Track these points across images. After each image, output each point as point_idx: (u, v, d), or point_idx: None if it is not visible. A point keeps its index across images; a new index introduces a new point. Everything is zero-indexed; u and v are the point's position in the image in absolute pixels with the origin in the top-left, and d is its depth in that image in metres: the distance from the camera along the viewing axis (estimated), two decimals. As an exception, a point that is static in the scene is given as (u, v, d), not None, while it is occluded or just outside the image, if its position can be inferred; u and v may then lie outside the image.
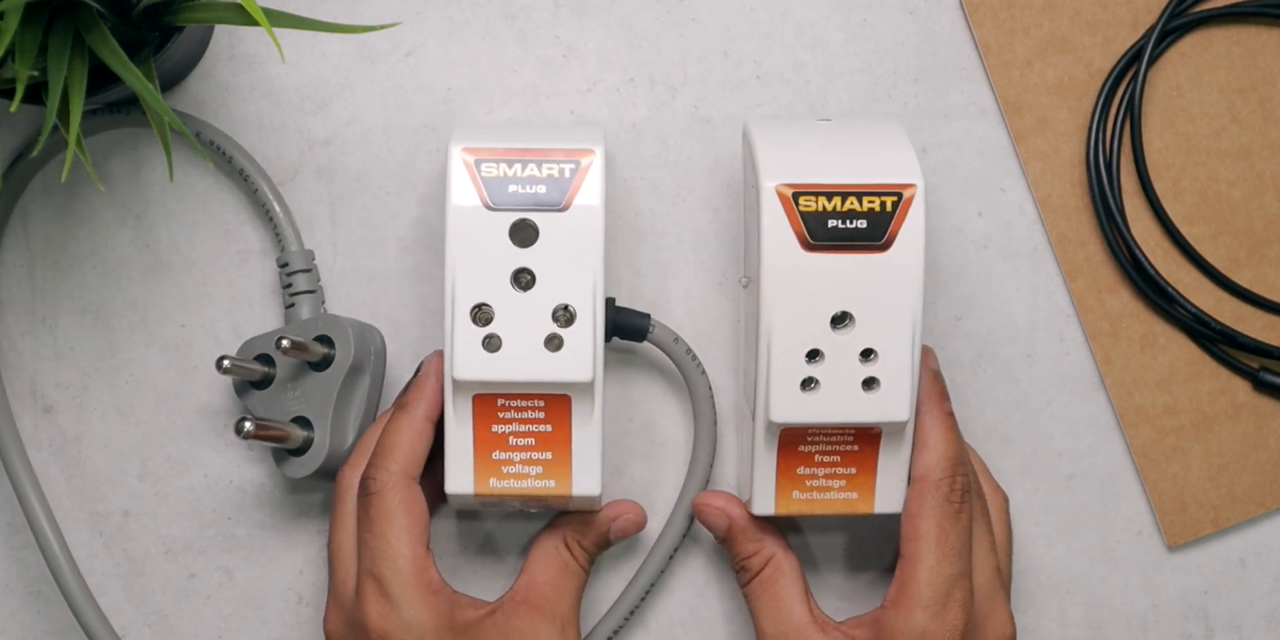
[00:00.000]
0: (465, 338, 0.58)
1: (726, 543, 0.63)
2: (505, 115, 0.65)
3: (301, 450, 0.62)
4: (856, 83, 0.66)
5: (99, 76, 0.57)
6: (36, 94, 0.55)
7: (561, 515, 0.63)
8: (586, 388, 0.59)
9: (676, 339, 0.63)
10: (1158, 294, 0.66)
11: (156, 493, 0.66)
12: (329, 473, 0.63)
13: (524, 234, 0.59)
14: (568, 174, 0.59)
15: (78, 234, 0.66)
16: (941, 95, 0.66)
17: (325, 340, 0.62)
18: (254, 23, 0.53)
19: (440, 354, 0.61)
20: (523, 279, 0.59)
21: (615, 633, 0.65)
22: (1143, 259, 0.65)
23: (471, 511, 0.66)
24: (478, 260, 0.59)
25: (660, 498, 0.66)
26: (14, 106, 0.52)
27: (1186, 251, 0.66)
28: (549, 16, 0.66)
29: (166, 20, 0.57)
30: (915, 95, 0.66)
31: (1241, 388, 0.66)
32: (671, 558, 0.65)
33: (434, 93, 0.66)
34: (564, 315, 0.59)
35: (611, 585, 0.66)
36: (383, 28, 0.55)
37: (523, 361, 0.58)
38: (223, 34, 0.65)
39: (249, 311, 0.65)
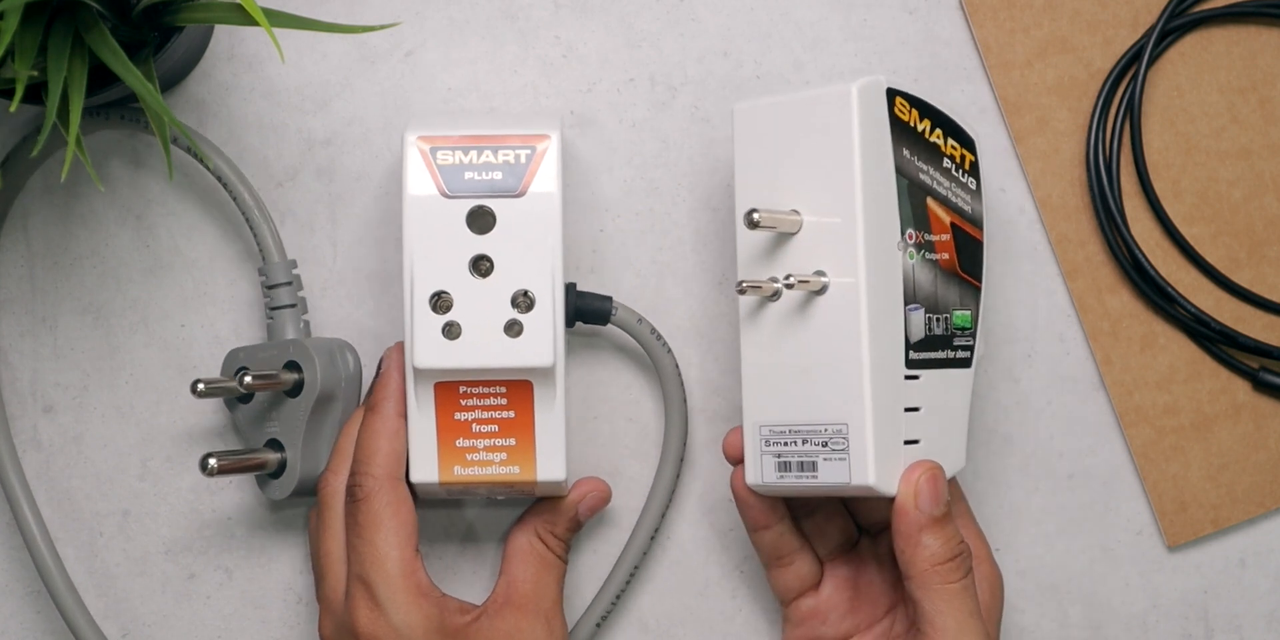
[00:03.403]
0: (425, 326, 0.58)
1: (944, 520, 0.58)
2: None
3: (279, 473, 0.62)
4: (856, 83, 0.66)
5: (99, 76, 0.57)
6: (36, 94, 0.55)
7: (529, 508, 0.64)
8: (548, 373, 0.59)
9: (640, 320, 0.63)
10: (1158, 294, 0.66)
11: (156, 493, 0.66)
12: (306, 492, 0.63)
13: (481, 221, 0.59)
14: (524, 160, 0.59)
15: (78, 234, 0.66)
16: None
17: (296, 365, 0.62)
18: (254, 23, 0.53)
19: (399, 347, 0.61)
20: (481, 266, 0.59)
21: (603, 618, 0.65)
22: (1143, 259, 0.65)
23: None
24: (435, 248, 0.59)
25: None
26: (14, 106, 0.52)
27: (1186, 251, 0.66)
28: (549, 16, 0.66)
29: (166, 20, 0.57)
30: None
31: (1241, 388, 0.66)
32: (653, 538, 0.65)
33: (434, 93, 0.65)
34: (524, 301, 0.59)
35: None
36: (383, 28, 0.55)
37: (483, 348, 0.58)
38: (223, 34, 0.65)
39: (249, 312, 0.65)
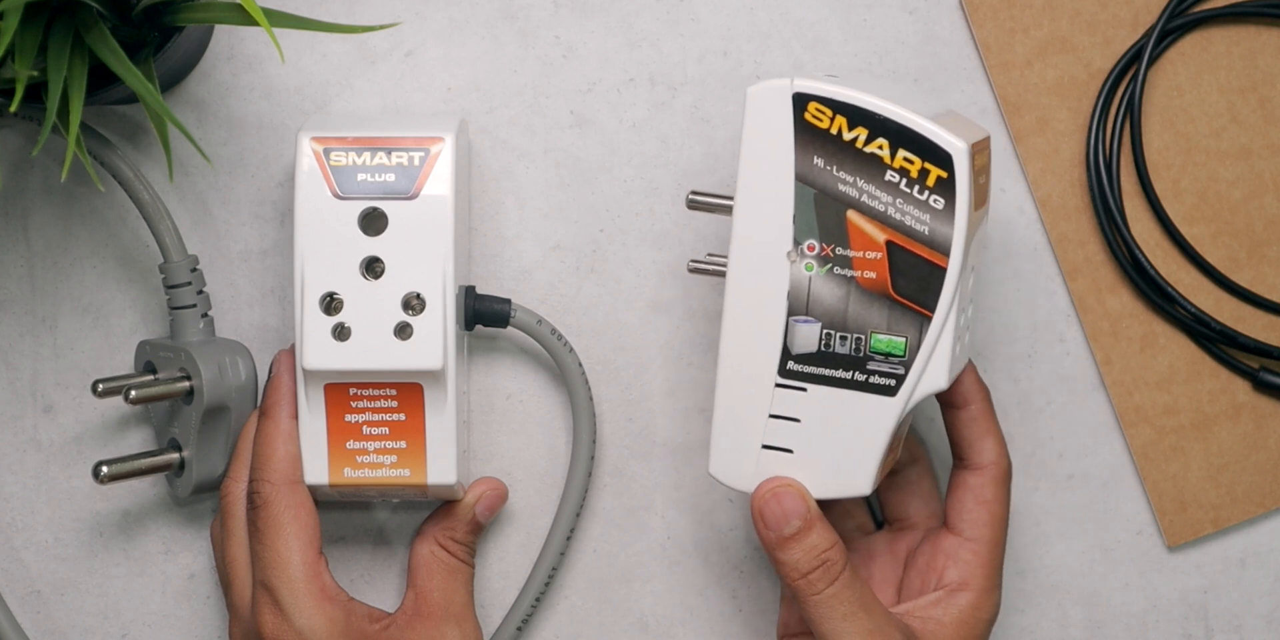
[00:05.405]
0: (314, 327, 0.59)
1: (799, 536, 0.58)
2: (504, 115, 0.65)
3: (182, 471, 0.63)
4: (856, 83, 0.66)
5: (99, 76, 0.57)
6: (36, 94, 0.55)
7: (428, 516, 0.64)
8: (438, 376, 0.59)
9: (540, 321, 0.63)
10: (1158, 294, 0.66)
11: (156, 493, 0.66)
12: (206, 491, 0.63)
13: (374, 223, 0.59)
14: (416, 162, 0.60)
15: (78, 234, 0.66)
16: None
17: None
18: (254, 23, 0.53)
19: (288, 351, 0.61)
20: (374, 268, 0.59)
21: (525, 622, 0.65)
22: (1143, 259, 0.65)
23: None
24: (327, 249, 0.59)
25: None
26: (14, 106, 0.52)
27: (1186, 251, 0.66)
28: (549, 16, 0.66)
29: (166, 20, 0.57)
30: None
31: (1241, 388, 0.66)
32: (570, 538, 0.65)
33: (434, 93, 0.66)
34: (415, 303, 0.59)
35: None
36: (383, 28, 0.55)
37: (372, 350, 0.59)
38: (223, 34, 0.65)
39: (249, 311, 0.65)
